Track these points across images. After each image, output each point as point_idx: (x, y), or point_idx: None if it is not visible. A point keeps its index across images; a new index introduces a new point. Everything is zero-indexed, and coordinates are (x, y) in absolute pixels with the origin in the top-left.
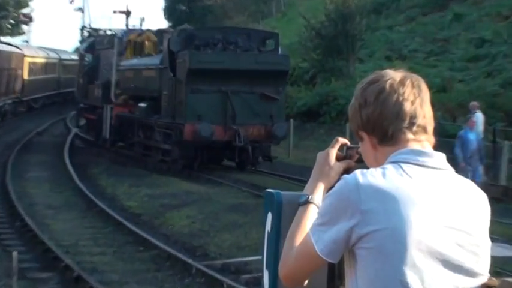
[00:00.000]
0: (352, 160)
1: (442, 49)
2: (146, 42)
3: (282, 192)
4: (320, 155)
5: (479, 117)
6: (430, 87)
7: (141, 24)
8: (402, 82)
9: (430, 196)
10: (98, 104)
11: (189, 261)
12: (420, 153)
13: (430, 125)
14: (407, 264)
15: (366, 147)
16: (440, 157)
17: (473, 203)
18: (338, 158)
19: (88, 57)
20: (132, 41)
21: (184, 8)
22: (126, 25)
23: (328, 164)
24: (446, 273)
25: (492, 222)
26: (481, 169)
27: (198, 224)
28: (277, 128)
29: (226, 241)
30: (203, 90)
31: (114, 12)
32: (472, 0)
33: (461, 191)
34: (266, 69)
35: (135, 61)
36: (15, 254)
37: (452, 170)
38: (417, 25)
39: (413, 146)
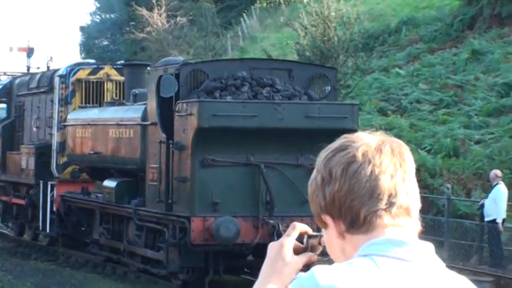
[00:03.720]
0: (315, 253)
1: (455, 99)
2: (106, 83)
3: None
4: (272, 246)
5: (502, 190)
6: (438, 151)
7: (48, 67)
8: (379, 149)
9: None
10: (26, 180)
11: None
12: (400, 243)
13: (415, 206)
14: None
15: (330, 235)
16: (427, 248)
17: None
18: (296, 251)
19: (1, 109)
20: (83, 81)
21: (106, 42)
22: (28, 67)
23: (282, 259)
24: None
25: None
26: None
27: None
28: None
29: None
30: (221, 162)
31: (11, 50)
32: (494, 33)
33: None
34: (323, 128)
35: (93, 113)
36: None
37: (442, 264)
38: (421, 66)
39: (392, 233)
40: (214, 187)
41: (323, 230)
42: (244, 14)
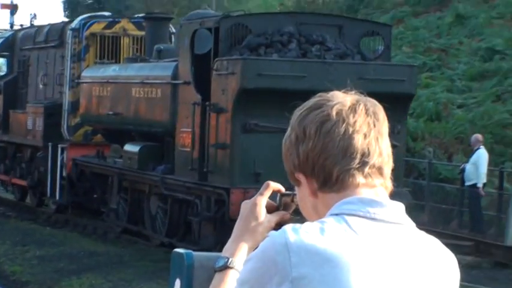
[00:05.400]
0: (288, 211)
1: (438, 62)
2: (123, 38)
3: (195, 253)
4: (245, 205)
5: (482, 155)
6: (421, 114)
7: (31, 23)
8: (353, 108)
9: (381, 259)
10: (33, 142)
11: None
12: (371, 202)
13: (388, 166)
14: None
15: (303, 193)
16: (397, 208)
17: (437, 267)
18: (269, 209)
19: (2, 65)
20: (98, 36)
21: (91, 1)
22: (11, 24)
23: (255, 218)
24: None
25: None
26: None
27: None
28: (394, 199)
29: None
30: (265, 128)
31: None
32: None
33: (421, 252)
34: (378, 92)
35: (113, 69)
36: None
37: (412, 224)
38: (405, 29)
39: (364, 193)
40: (256, 155)
41: (296, 188)
42: None
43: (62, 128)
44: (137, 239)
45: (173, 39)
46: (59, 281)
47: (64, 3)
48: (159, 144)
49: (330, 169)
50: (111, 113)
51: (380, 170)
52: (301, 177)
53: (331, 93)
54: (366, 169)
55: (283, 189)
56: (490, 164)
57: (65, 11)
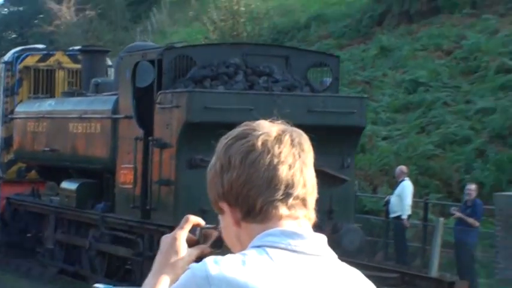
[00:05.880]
0: (206, 244)
1: (362, 94)
2: (57, 72)
3: None
4: (165, 239)
5: (407, 186)
6: None
7: None
8: (279, 139)
9: None
10: None
11: None
12: (292, 235)
13: (312, 197)
14: None
15: (227, 222)
16: (319, 240)
17: None
18: (189, 243)
19: None
20: (32, 69)
21: (15, 35)
22: None
23: (175, 252)
24: None
25: None
26: None
27: None
28: (346, 236)
29: None
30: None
31: None
32: (403, 29)
33: (341, 284)
34: (328, 125)
35: (49, 104)
36: None
37: (334, 256)
38: None
39: (287, 224)
40: (202, 192)
41: (220, 216)
42: (154, 8)
43: None
44: (74, 280)
45: (109, 72)
46: None
47: None
48: (98, 181)
49: (254, 200)
50: (47, 149)
51: (304, 201)
52: (225, 206)
53: (257, 122)
54: (290, 200)
55: (203, 223)
56: (414, 195)
57: None
